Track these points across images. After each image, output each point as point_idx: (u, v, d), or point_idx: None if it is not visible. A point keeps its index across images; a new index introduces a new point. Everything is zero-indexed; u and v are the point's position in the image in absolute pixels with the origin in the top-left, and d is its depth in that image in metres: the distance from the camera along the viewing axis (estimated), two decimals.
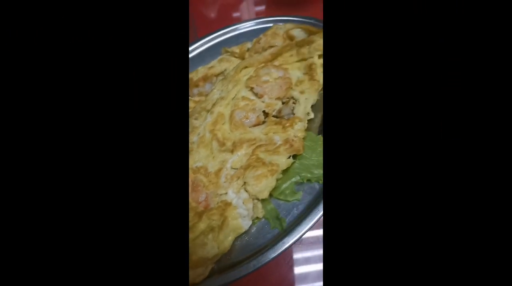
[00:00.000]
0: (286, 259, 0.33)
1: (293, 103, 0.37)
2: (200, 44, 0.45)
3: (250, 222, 0.30)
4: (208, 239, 0.27)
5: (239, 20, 0.58)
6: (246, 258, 0.29)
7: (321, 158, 0.33)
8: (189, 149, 0.35)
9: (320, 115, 0.38)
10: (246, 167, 0.32)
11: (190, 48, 0.45)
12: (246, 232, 0.30)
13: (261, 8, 0.64)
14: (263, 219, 0.31)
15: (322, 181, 0.32)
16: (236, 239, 0.29)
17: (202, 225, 0.28)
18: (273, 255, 0.28)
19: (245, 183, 0.31)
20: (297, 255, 0.33)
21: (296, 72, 0.41)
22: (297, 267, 0.32)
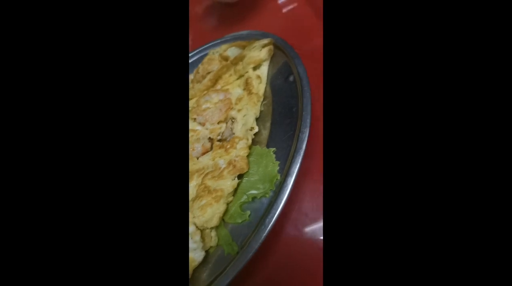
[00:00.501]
0: None
1: (231, 123, 0.37)
2: None
3: (203, 253, 0.30)
4: None
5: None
6: (207, 284, 0.29)
7: (267, 170, 0.33)
8: None
9: (268, 125, 0.38)
10: (194, 199, 0.33)
11: None
12: (204, 262, 0.31)
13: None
14: (219, 247, 0.31)
15: (268, 195, 0.32)
16: (195, 271, 0.30)
17: None
18: (228, 280, 0.28)
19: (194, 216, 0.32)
20: None
21: (237, 90, 0.41)
22: None
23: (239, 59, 0.42)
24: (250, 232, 0.30)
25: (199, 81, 0.44)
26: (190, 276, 0.30)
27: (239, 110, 0.38)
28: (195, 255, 0.30)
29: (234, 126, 0.37)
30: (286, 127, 0.35)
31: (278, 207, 0.29)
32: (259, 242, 0.28)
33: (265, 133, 0.38)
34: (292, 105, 0.37)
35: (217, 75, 0.43)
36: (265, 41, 0.40)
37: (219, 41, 0.46)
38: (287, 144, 0.34)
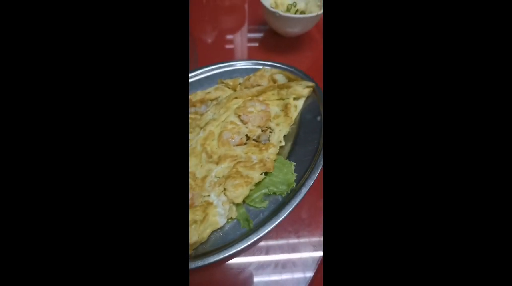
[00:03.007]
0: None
1: (270, 132, 0.47)
2: (200, 72, 0.55)
3: (225, 220, 0.37)
4: (192, 229, 0.34)
5: (231, 52, 0.69)
6: (217, 248, 0.36)
7: (286, 177, 0.43)
8: None
9: (290, 144, 0.49)
10: (227, 177, 0.40)
11: (192, 74, 0.54)
12: (221, 228, 0.37)
13: (255, 44, 0.75)
14: (235, 220, 0.39)
15: (284, 195, 0.41)
16: (212, 232, 0.37)
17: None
18: (239, 248, 0.36)
19: (225, 189, 0.39)
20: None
21: (275, 108, 0.51)
22: None
23: (285, 86, 0.52)
24: (265, 217, 0.39)
25: (247, 87, 0.53)
26: (208, 236, 0.36)
27: (277, 125, 0.48)
28: (220, 220, 0.37)
29: (271, 135, 0.46)
30: (306, 153, 0.46)
31: (292, 205, 0.39)
32: (273, 224, 0.37)
33: (287, 149, 0.48)
34: (314, 138, 0.48)
35: (264, 90, 0.52)
36: (310, 83, 0.52)
37: (272, 63, 0.57)
38: (302, 166, 0.44)
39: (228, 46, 0.73)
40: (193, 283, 0.35)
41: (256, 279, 0.37)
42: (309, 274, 0.38)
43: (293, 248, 0.40)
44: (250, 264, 0.38)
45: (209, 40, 0.78)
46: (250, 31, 0.78)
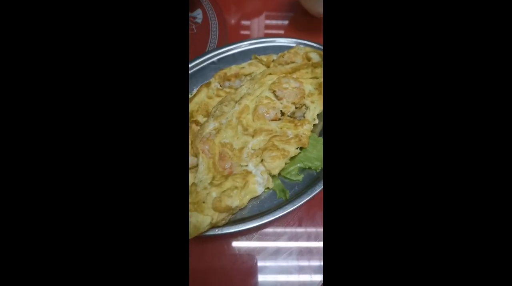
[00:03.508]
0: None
1: (305, 109, 0.47)
2: (235, 47, 0.55)
3: (263, 189, 0.39)
4: (234, 194, 0.35)
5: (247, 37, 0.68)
6: (253, 216, 0.37)
7: (320, 154, 0.43)
8: (219, 128, 0.43)
9: (322, 123, 0.49)
10: (264, 149, 0.41)
11: (226, 49, 0.55)
12: (258, 196, 0.39)
13: (280, 31, 0.74)
14: (271, 190, 0.40)
15: (318, 170, 0.42)
16: (250, 200, 0.38)
17: (227, 184, 0.36)
18: (275, 216, 0.37)
19: (262, 160, 0.40)
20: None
21: (308, 86, 0.51)
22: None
23: (319, 65, 0.52)
24: (300, 189, 0.40)
25: (281, 64, 0.53)
26: (247, 202, 0.37)
27: (312, 102, 0.48)
28: (258, 188, 0.38)
29: (306, 111, 0.46)
30: None
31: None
32: (308, 197, 0.38)
33: (319, 127, 0.48)
34: None
35: (297, 67, 0.52)
36: None
37: (306, 42, 0.56)
38: None
39: (245, 32, 0.72)
40: (197, 269, 0.36)
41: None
42: None
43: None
44: (284, 233, 0.40)
45: (232, 21, 0.78)
46: (274, 18, 0.76)
